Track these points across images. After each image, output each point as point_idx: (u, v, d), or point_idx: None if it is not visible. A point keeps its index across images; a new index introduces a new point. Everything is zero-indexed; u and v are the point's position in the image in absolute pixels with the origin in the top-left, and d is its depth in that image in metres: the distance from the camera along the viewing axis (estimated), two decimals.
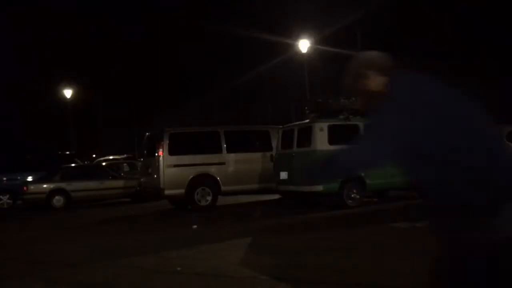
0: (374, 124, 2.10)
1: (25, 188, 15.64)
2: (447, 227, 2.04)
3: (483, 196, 1.93)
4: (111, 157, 24.60)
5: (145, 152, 13.58)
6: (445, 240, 2.07)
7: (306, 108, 12.69)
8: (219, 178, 12.39)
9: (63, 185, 15.63)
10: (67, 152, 22.97)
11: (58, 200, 15.51)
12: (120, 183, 16.21)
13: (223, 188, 12.43)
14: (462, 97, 2.08)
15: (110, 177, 16.33)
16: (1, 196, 17.17)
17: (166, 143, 12.10)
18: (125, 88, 38.21)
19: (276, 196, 13.12)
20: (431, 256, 2.14)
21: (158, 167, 12.04)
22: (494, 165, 1.96)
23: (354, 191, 10.94)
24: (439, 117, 2.00)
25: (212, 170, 12.42)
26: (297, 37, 23.97)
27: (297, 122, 12.07)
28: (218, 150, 12.58)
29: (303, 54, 24.03)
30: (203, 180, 12.29)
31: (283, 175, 11.66)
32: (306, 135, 11.08)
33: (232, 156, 12.64)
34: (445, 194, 2.02)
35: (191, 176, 12.17)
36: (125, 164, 20.23)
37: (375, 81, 2.20)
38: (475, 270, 1.99)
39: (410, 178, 2.16)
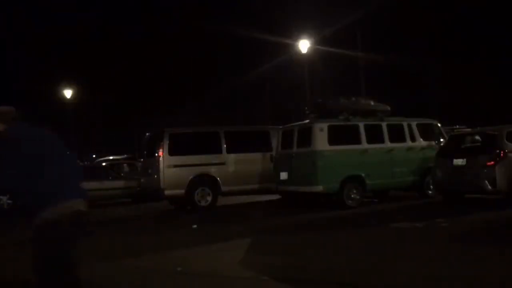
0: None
1: None
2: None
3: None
4: (111, 157, 24.55)
5: (145, 152, 13.58)
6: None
7: (306, 108, 12.70)
8: (219, 178, 12.40)
9: None
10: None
11: None
12: (120, 183, 16.20)
13: (223, 188, 12.43)
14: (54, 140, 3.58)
15: (110, 178, 16.32)
16: (1, 196, 17.16)
17: (166, 143, 12.10)
18: (125, 88, 38.21)
19: (276, 196, 13.12)
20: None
21: (158, 167, 12.04)
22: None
23: (354, 191, 10.95)
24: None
25: (212, 170, 12.42)
26: (297, 37, 23.94)
27: (297, 123, 12.07)
28: (218, 150, 12.58)
29: (303, 55, 24.00)
30: (203, 180, 12.30)
31: (283, 175, 11.67)
32: (306, 135, 11.07)
33: (232, 156, 12.65)
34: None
35: (191, 177, 12.17)
36: (125, 165, 20.20)
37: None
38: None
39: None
